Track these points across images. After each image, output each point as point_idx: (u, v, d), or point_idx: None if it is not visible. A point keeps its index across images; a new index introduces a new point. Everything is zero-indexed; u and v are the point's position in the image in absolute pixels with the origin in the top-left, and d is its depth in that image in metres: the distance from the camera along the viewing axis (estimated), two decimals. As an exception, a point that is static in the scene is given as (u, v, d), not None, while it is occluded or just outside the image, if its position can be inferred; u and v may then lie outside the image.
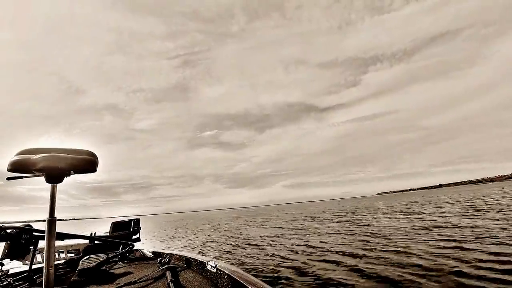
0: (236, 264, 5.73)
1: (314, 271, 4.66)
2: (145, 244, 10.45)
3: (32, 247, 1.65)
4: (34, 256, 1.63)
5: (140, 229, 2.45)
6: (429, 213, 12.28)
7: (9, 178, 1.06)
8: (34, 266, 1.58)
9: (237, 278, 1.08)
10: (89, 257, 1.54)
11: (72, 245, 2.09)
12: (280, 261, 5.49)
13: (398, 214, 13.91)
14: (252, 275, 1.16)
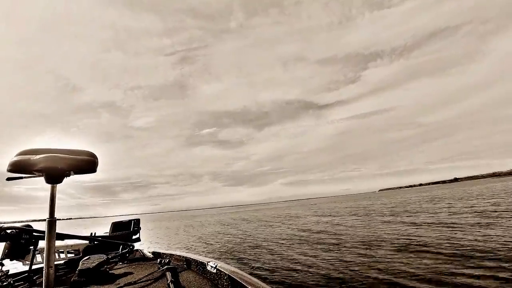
0: (236, 264, 5.83)
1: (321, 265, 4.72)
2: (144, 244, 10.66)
3: (32, 247, 1.70)
4: (34, 256, 1.68)
5: (140, 229, 2.51)
6: None
7: (9, 179, 1.08)
8: (34, 266, 1.63)
9: (237, 278, 1.11)
10: (89, 258, 1.59)
11: (72, 245, 2.15)
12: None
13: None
14: (252, 275, 1.19)
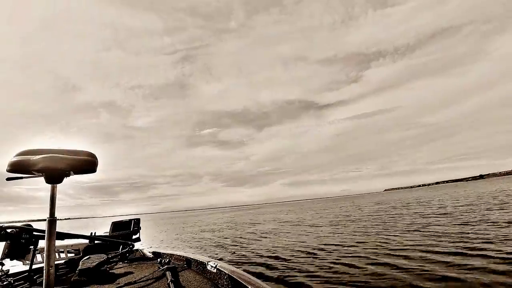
0: (236, 264, 5.90)
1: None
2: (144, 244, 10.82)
3: (32, 247, 1.77)
4: (34, 256, 1.74)
5: (140, 229, 2.58)
6: None
7: (8, 179, 1.13)
8: (34, 266, 1.69)
9: (237, 278, 1.15)
10: (89, 257, 1.65)
11: (72, 245, 2.23)
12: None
13: None
14: (252, 275, 1.23)
